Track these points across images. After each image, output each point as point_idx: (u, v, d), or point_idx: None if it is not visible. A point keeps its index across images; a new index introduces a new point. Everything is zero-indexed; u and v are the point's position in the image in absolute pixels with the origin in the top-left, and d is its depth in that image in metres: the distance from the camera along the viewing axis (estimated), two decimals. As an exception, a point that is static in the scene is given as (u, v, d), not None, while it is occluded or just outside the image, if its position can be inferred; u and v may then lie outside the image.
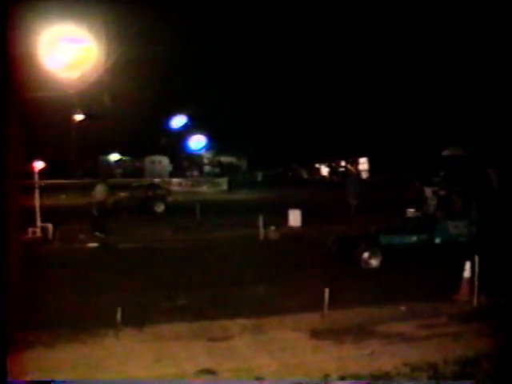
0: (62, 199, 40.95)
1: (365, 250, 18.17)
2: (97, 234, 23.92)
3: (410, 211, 21.76)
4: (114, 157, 71.71)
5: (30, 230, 23.99)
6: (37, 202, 24.89)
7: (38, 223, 24.32)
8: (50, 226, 24.27)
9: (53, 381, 8.83)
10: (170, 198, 36.56)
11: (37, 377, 9.08)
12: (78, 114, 57.20)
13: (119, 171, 66.73)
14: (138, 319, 11.96)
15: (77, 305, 13.48)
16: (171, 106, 57.58)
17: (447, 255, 17.59)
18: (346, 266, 17.85)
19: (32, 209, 24.39)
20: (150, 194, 35.07)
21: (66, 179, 50.90)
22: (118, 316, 11.63)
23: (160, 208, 34.45)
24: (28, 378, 8.94)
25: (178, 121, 57.47)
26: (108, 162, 70.96)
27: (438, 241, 19.12)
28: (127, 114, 56.37)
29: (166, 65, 50.34)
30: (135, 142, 64.96)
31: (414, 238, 18.89)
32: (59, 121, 52.23)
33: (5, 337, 8.40)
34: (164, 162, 69.52)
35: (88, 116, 57.41)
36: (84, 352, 10.43)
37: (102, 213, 25.09)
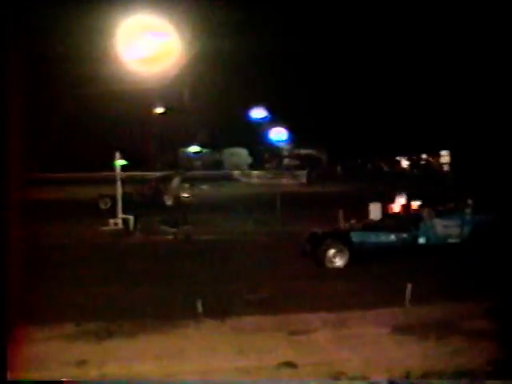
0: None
1: (330, 248, 17.05)
2: (163, 227, 23.96)
3: (393, 207, 20.23)
4: (194, 149, 72.19)
5: (112, 221, 24.31)
6: (118, 194, 25.21)
7: (120, 215, 24.62)
8: (131, 217, 24.53)
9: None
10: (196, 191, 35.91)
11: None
12: (158, 106, 57.76)
13: (198, 163, 67.13)
14: (219, 311, 11.91)
15: (158, 295, 13.56)
16: (251, 99, 57.58)
17: (433, 257, 16.85)
18: (310, 265, 17.04)
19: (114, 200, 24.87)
20: (160, 187, 34.66)
21: (146, 171, 51.43)
22: (199, 307, 11.59)
23: (169, 201, 34.07)
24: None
25: (258, 113, 57.40)
26: (188, 155, 71.51)
27: (422, 241, 17.82)
28: (207, 106, 56.71)
29: (246, 58, 50.37)
30: (215, 134, 65.35)
31: (393, 237, 17.68)
32: (140, 114, 52.89)
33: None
34: (243, 154, 69.68)
35: (168, 109, 57.91)
36: (166, 343, 10.43)
37: (176, 205, 25.14)
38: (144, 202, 32.12)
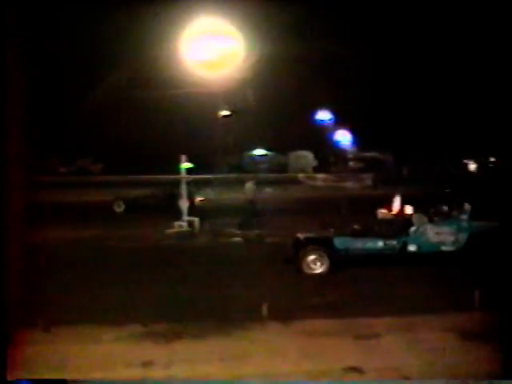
0: (207, 193, 41.44)
1: (309, 254, 16.40)
2: (232, 230, 23.93)
3: (382, 212, 19.25)
4: (259, 152, 72.16)
5: (177, 223, 24.45)
6: (183, 196, 25.36)
7: (185, 217, 24.75)
8: (196, 219, 24.65)
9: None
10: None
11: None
12: (223, 109, 57.94)
13: (264, 166, 67.09)
14: (284, 314, 11.87)
15: (224, 297, 13.62)
16: (316, 101, 57.41)
17: (425, 265, 16.17)
18: (289, 271, 16.45)
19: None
20: (176, 191, 34.57)
21: (211, 174, 51.57)
22: (265, 310, 11.57)
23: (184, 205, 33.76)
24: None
25: (323, 115, 57.25)
26: (253, 157, 71.50)
27: (412, 248, 16.88)
28: (272, 109, 56.70)
29: (311, 60, 50.23)
30: (280, 137, 65.20)
31: (380, 244, 16.80)
32: (204, 116, 53.15)
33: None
34: (308, 157, 69.29)
35: (233, 112, 58.05)
36: (232, 345, 10.50)
37: (251, 210, 25.13)
38: (157, 206, 32.30)
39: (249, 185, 25.38)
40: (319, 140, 66.27)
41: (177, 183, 35.52)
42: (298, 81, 53.98)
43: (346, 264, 16.45)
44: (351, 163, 72.21)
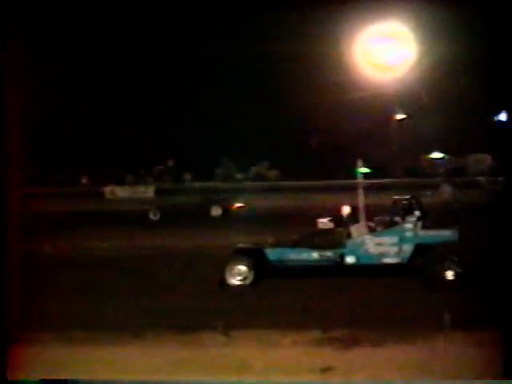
0: (382, 199, 41.02)
1: (231, 264, 15.81)
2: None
3: (322, 222, 17.59)
4: (436, 155, 70.95)
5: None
6: (360, 201, 25.29)
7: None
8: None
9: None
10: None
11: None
12: (399, 113, 57.38)
13: (441, 170, 65.99)
14: (468, 322, 11.51)
15: (398, 304, 13.39)
16: (497, 103, 55.63)
17: (364, 277, 15.38)
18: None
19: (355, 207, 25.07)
20: (212, 197, 36.04)
21: (386, 178, 51.14)
22: (446, 319, 11.33)
23: (217, 211, 34.57)
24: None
25: (504, 116, 55.34)
26: (429, 161, 70.43)
27: (350, 260, 16.00)
28: (448, 111, 55.58)
29: (489, 60, 48.80)
30: (457, 140, 63.76)
31: (315, 255, 16.06)
32: (380, 120, 52.92)
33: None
34: (486, 160, 67.53)
35: (408, 115, 57.37)
36: (412, 353, 10.32)
37: (448, 212, 24.74)
38: (191, 212, 33.34)
39: (445, 187, 24.87)
40: (500, 142, 64.17)
41: (212, 190, 36.81)
42: (477, 82, 52.58)
43: (282, 275, 16.12)
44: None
